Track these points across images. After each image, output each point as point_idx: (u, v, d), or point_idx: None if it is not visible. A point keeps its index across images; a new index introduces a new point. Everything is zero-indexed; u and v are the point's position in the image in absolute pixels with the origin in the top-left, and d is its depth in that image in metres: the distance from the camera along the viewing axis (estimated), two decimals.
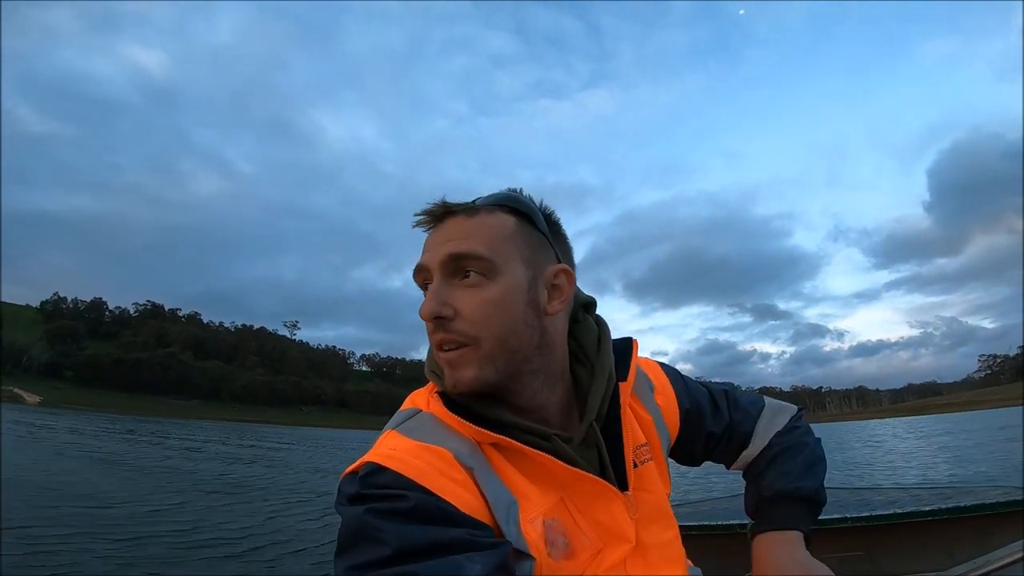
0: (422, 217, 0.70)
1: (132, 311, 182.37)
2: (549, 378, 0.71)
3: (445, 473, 0.60)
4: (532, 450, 0.64)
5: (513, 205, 0.71)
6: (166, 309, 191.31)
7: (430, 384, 0.74)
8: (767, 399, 0.96)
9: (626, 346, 0.81)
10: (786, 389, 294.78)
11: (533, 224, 0.71)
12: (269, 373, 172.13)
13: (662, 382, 0.88)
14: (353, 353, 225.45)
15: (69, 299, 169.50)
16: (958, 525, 2.00)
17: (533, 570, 0.62)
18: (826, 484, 0.82)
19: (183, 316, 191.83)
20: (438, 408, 0.68)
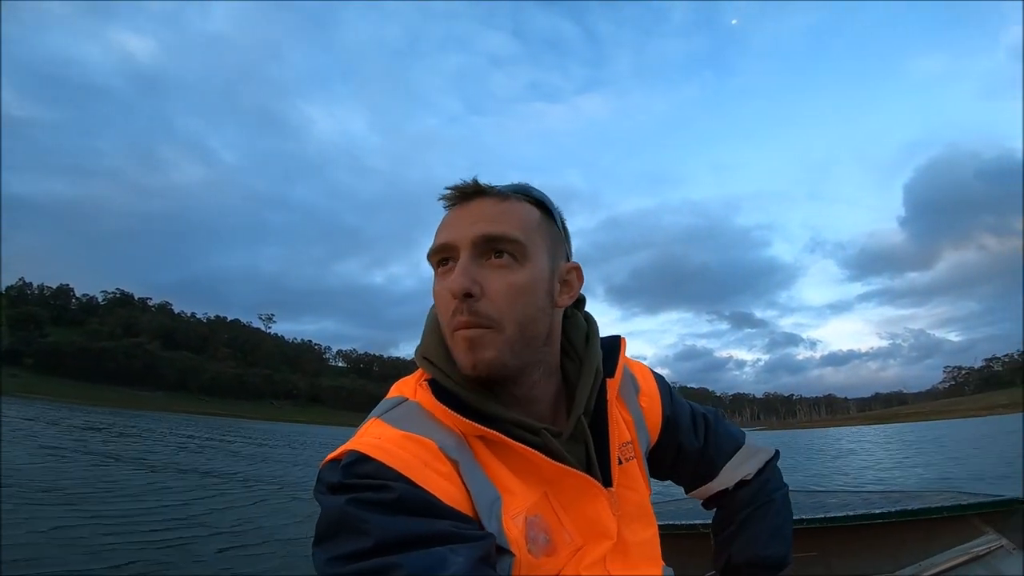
0: (451, 193, 0.69)
1: (100, 299, 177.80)
2: (547, 370, 0.72)
3: (430, 465, 0.60)
4: (519, 445, 0.64)
5: (538, 198, 0.72)
6: (136, 298, 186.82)
7: (418, 372, 0.73)
8: (747, 439, 0.94)
9: (614, 344, 0.81)
10: (759, 396, 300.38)
11: (553, 219, 0.73)
12: (241, 366, 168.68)
13: (649, 385, 0.88)
14: (329, 348, 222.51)
15: (35, 285, 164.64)
16: (904, 528, 2.07)
17: (512, 567, 0.62)
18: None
19: (153, 305, 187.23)
20: (425, 398, 0.67)
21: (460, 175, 0.65)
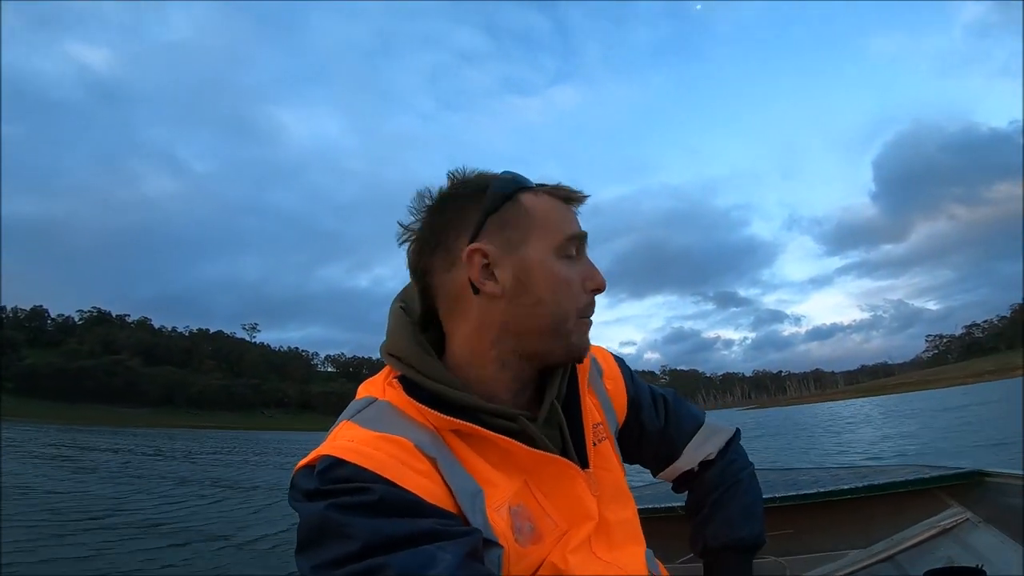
0: (568, 189, 0.72)
1: (77, 318, 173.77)
2: None
3: (407, 464, 0.58)
4: (497, 436, 0.64)
5: None
6: (113, 315, 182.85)
7: (385, 370, 0.71)
8: (707, 418, 0.96)
9: None
10: (748, 374, 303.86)
11: None
12: (227, 377, 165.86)
13: (612, 367, 0.89)
14: (317, 354, 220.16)
15: (8, 308, 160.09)
16: (874, 503, 2.09)
17: (502, 559, 0.61)
18: (758, 466, 0.87)
19: (132, 322, 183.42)
20: (395, 396, 0.66)
21: (439, 173, 0.63)
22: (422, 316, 0.71)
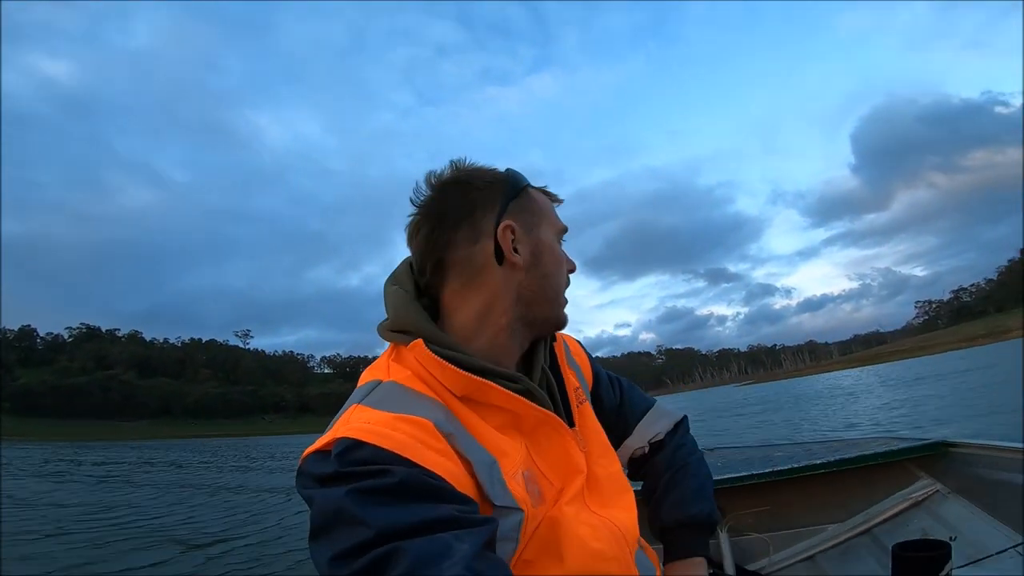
0: (558, 197, 0.83)
1: (66, 336, 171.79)
2: None
3: (427, 443, 0.59)
4: (509, 395, 0.68)
5: None
6: (103, 330, 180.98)
7: (386, 352, 0.74)
8: (657, 401, 1.03)
9: None
10: (743, 349, 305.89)
11: None
12: (223, 385, 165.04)
13: (576, 346, 0.97)
14: (312, 356, 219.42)
15: None
16: (848, 477, 2.12)
17: (522, 523, 0.64)
18: (732, 444, 0.98)
19: (123, 336, 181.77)
20: (401, 374, 0.68)
21: (421, 168, 0.69)
22: (416, 294, 0.75)
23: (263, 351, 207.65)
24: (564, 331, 0.91)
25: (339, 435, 0.58)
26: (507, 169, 0.79)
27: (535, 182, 0.80)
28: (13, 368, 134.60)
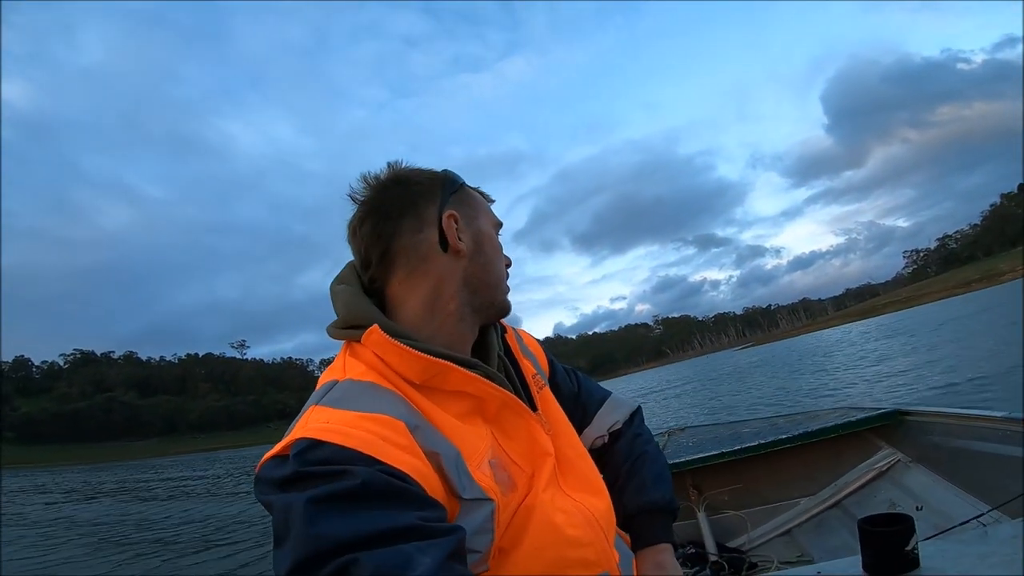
0: (489, 197, 0.85)
1: (62, 362, 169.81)
2: None
3: (390, 440, 0.56)
4: (471, 376, 0.67)
5: None
6: (98, 354, 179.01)
7: (341, 350, 0.72)
8: (612, 393, 1.04)
9: None
10: (739, 312, 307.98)
11: None
12: (225, 397, 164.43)
13: (528, 338, 0.97)
14: (311, 360, 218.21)
15: None
16: (813, 449, 2.17)
17: (494, 514, 0.62)
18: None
19: (118, 358, 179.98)
20: (356, 370, 0.66)
21: (402, 160, 0.77)
22: (362, 291, 0.75)
23: (261, 360, 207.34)
24: (534, 328, 0.94)
25: (297, 436, 0.55)
26: (444, 170, 0.81)
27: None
28: (12, 398, 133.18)
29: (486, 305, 0.76)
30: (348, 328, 0.70)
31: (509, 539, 0.65)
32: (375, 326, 0.66)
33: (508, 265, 0.82)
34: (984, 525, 1.26)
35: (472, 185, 0.83)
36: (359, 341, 0.68)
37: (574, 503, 0.73)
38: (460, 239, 0.75)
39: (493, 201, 0.85)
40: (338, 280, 0.78)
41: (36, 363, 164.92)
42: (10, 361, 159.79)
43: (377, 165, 0.71)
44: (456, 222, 0.76)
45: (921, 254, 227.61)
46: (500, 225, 0.84)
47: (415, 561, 0.48)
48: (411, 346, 0.65)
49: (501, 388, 0.70)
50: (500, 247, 0.81)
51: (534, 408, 0.78)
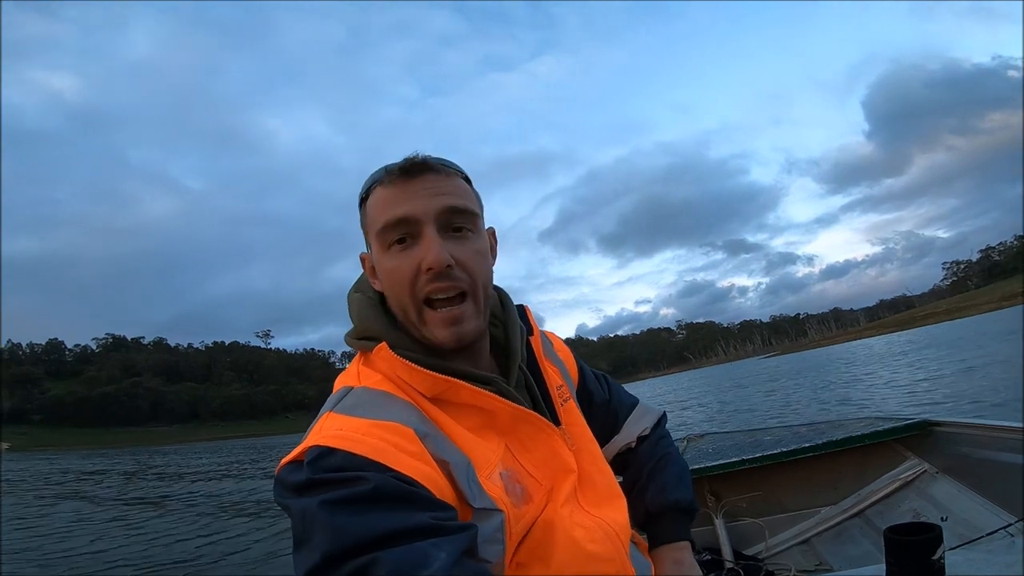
0: (398, 167, 0.69)
1: (94, 347, 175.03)
2: (486, 330, 0.75)
3: (401, 448, 0.58)
4: (482, 393, 0.66)
5: (463, 171, 0.75)
6: (129, 339, 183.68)
7: (356, 358, 0.73)
8: (639, 399, 1.03)
9: (521, 309, 0.87)
10: (765, 320, 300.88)
11: (474, 189, 0.77)
12: (247, 386, 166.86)
13: (559, 342, 0.95)
14: (334, 352, 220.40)
15: (24, 344, 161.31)
16: (838, 459, 2.14)
17: (505, 524, 0.62)
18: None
19: (148, 343, 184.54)
20: (370, 379, 0.67)
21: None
22: (380, 299, 0.74)
23: (284, 350, 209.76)
24: (558, 329, 0.87)
25: (310, 444, 0.58)
26: (385, 166, 0.71)
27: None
28: (42, 381, 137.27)
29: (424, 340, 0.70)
30: (362, 339, 0.71)
31: (527, 553, 0.65)
32: (383, 344, 0.66)
33: (428, 269, 0.66)
34: (1011, 536, 1.20)
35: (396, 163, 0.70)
36: (372, 351, 0.68)
37: (593, 519, 0.73)
38: (377, 279, 0.73)
39: (399, 171, 0.68)
40: (355, 287, 0.77)
41: (69, 346, 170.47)
42: (43, 344, 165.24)
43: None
44: (365, 263, 0.74)
45: (962, 265, 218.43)
46: (392, 225, 0.68)
47: (432, 557, 0.50)
48: (419, 363, 0.65)
49: (513, 404, 0.69)
50: (392, 268, 0.68)
51: (556, 422, 0.76)
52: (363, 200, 0.72)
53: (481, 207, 0.75)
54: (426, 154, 0.70)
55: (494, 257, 0.78)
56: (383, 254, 0.69)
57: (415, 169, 0.68)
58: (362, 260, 0.74)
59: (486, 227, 0.77)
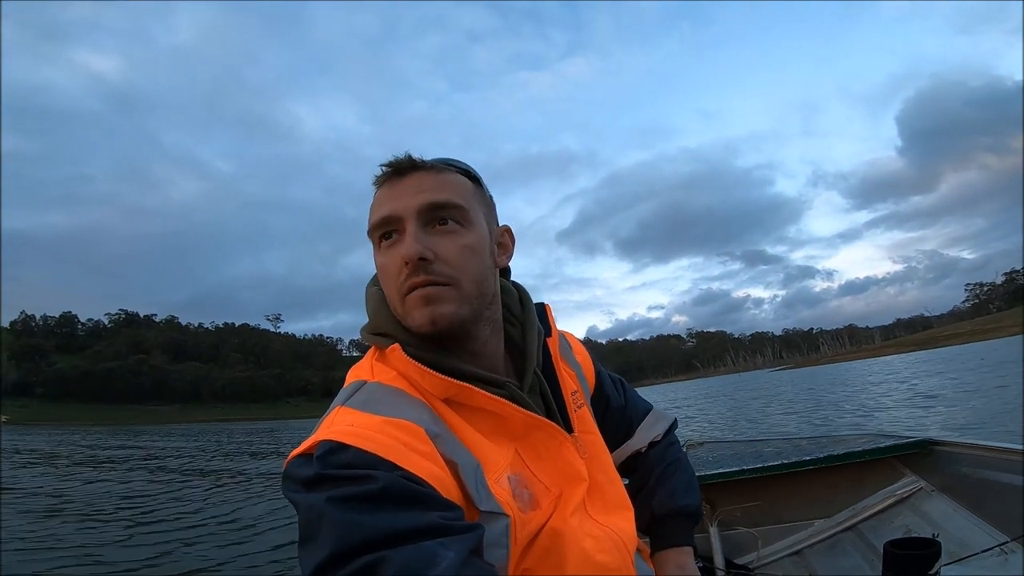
0: (386, 168, 0.70)
1: (106, 321, 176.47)
2: (495, 328, 0.74)
3: (411, 447, 0.58)
4: (493, 398, 0.65)
5: (466, 168, 0.74)
6: (141, 316, 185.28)
7: (370, 351, 0.73)
8: (653, 405, 1.04)
9: (541, 308, 0.85)
10: (777, 333, 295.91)
11: (482, 187, 0.76)
12: (252, 369, 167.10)
13: (578, 344, 0.95)
14: (342, 340, 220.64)
15: (38, 316, 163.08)
16: (835, 473, 2.16)
17: (510, 528, 0.62)
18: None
19: (160, 321, 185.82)
20: (384, 374, 0.67)
21: (454, 153, 0.69)
22: None
23: (292, 335, 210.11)
24: (568, 330, 0.91)
25: (321, 438, 0.57)
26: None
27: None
28: (50, 355, 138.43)
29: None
30: (376, 335, 0.71)
31: (534, 560, 0.65)
32: (396, 346, 0.66)
33: (404, 260, 0.66)
34: (1006, 554, 1.23)
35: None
36: (386, 349, 0.68)
37: (602, 528, 0.73)
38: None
39: (388, 172, 0.71)
40: (372, 281, 0.76)
41: (82, 320, 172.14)
42: (57, 316, 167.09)
43: (431, 155, 0.69)
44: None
45: (985, 288, 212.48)
46: (378, 223, 0.70)
47: (439, 556, 0.49)
48: (431, 366, 0.65)
49: (525, 410, 0.68)
50: (384, 263, 0.70)
51: (569, 428, 0.76)
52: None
53: (484, 204, 0.74)
54: (435, 156, 0.72)
55: (508, 256, 0.78)
56: (376, 252, 0.71)
57: (403, 167, 0.70)
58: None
59: (499, 224, 0.77)
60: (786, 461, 2.13)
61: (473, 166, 0.75)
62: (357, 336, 0.72)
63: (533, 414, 0.68)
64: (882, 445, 2.06)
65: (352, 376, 0.71)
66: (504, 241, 0.78)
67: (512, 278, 0.81)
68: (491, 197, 0.78)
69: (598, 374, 0.95)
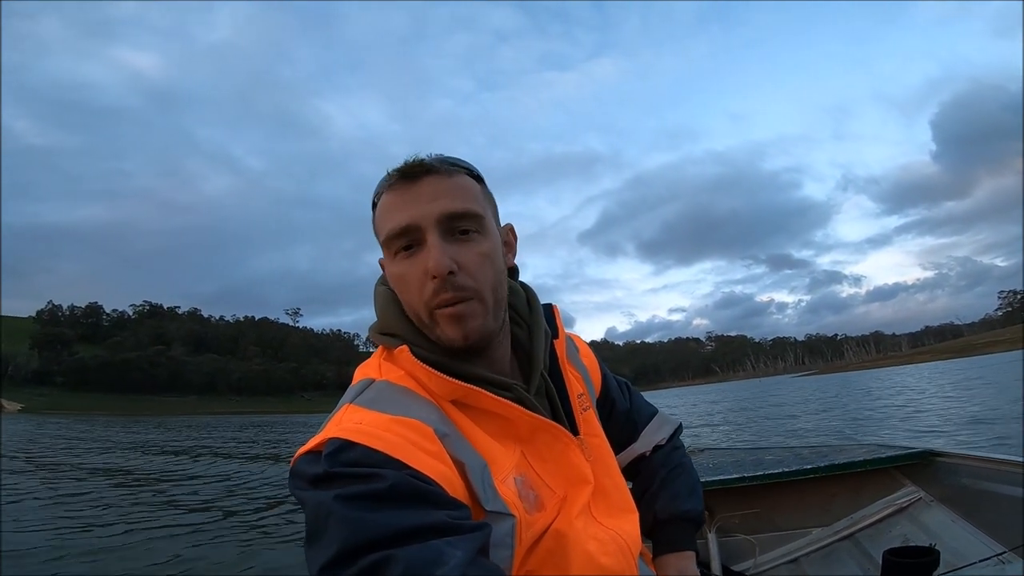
0: (397, 173, 0.68)
1: (130, 312, 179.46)
2: (504, 332, 0.74)
3: (419, 446, 0.58)
4: (500, 401, 0.65)
5: (470, 168, 0.73)
6: (165, 308, 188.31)
7: (378, 350, 0.73)
8: (658, 409, 1.04)
9: (548, 310, 0.85)
10: (800, 339, 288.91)
11: (485, 186, 0.75)
12: (269, 362, 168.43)
13: (584, 346, 0.94)
14: (359, 335, 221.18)
15: (65, 306, 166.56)
16: (835, 482, 2.16)
17: (515, 529, 0.62)
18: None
19: (182, 313, 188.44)
20: (393, 373, 0.67)
21: (479, 152, 1.61)
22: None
23: (311, 329, 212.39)
24: (588, 331, 0.92)
25: (329, 435, 0.57)
26: (392, 170, 0.70)
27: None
28: (73, 344, 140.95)
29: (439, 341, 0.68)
30: (384, 335, 0.71)
31: (538, 561, 0.65)
32: (404, 348, 0.66)
33: (432, 275, 0.65)
34: (1003, 563, 1.24)
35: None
36: (394, 349, 0.68)
37: (607, 531, 0.73)
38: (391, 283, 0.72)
39: (400, 176, 0.68)
40: (381, 280, 0.76)
41: (107, 311, 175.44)
42: (83, 307, 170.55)
43: (456, 153, 0.69)
44: (384, 268, 0.73)
45: (1019, 296, 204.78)
46: (395, 236, 0.68)
47: (446, 555, 0.49)
48: (438, 367, 0.65)
49: (532, 413, 0.68)
50: (401, 272, 0.68)
51: (575, 431, 0.76)
52: (375, 205, 0.71)
53: (491, 205, 0.74)
54: (438, 153, 0.70)
55: (513, 254, 0.78)
56: (391, 261, 0.70)
57: (415, 172, 0.68)
58: (382, 265, 0.74)
59: (503, 224, 0.77)
60: (786, 469, 2.13)
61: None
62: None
63: (539, 417, 0.69)
64: (882, 455, 2.06)
65: (360, 374, 0.71)
66: (509, 239, 0.78)
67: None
68: (491, 194, 0.77)
69: (604, 377, 0.95)
